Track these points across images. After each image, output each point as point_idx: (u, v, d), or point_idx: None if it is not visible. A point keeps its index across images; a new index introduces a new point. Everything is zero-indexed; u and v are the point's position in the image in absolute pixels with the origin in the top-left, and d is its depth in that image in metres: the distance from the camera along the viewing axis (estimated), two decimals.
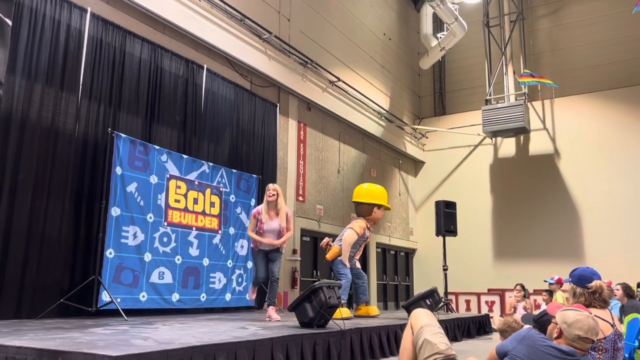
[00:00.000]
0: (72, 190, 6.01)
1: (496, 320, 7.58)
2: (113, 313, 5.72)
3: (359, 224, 6.91)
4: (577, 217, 13.45)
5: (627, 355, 4.85)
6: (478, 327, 8.44)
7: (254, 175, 8.33)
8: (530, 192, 14.06)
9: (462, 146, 15.30)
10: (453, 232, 10.39)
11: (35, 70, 5.77)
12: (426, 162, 15.95)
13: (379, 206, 7.05)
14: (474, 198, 14.55)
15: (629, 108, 13.33)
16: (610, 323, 2.99)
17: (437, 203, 10.58)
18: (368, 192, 7.17)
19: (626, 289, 6.77)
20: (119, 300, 5.71)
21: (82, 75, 6.24)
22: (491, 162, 14.94)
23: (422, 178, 15.96)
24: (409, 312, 5.87)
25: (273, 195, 5.84)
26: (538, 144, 14.32)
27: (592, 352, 2.93)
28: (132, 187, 6.25)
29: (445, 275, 10.20)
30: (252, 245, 6.04)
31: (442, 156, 15.63)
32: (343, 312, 6.46)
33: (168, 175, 6.76)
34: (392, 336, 5.42)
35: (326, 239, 6.99)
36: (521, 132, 13.93)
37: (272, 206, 5.86)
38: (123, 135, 6.27)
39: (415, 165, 16.00)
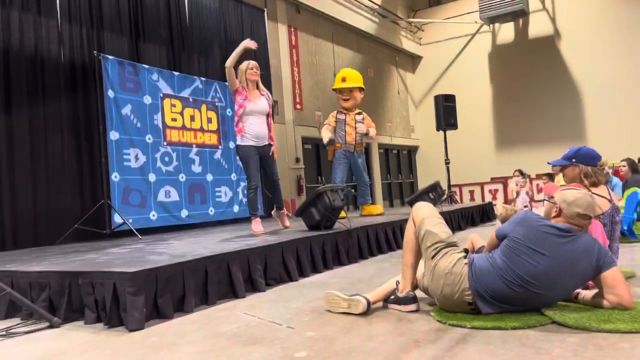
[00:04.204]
0: (68, 117, 5.98)
1: (499, 207, 7.77)
2: (127, 233, 5.90)
3: (330, 115, 6.98)
4: (578, 98, 13.32)
5: (625, 228, 5.03)
6: (481, 215, 8.70)
7: None
8: (531, 77, 13.83)
9: (459, 36, 14.86)
10: (453, 126, 10.38)
11: None
12: (424, 56, 15.58)
13: (336, 90, 7.04)
14: (474, 89, 14.37)
15: None
16: (607, 199, 3.06)
17: (436, 98, 10.49)
18: None
19: (632, 164, 6.86)
20: (130, 221, 5.86)
21: None
22: (490, 50, 14.57)
23: (420, 74, 15.66)
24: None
25: (257, 72, 5.05)
26: (538, 26, 13.85)
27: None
28: (127, 110, 6.19)
29: (448, 168, 10.33)
30: (239, 142, 4.97)
31: (440, 49, 15.22)
32: (371, 208, 6.93)
33: (161, 95, 6.67)
34: (397, 231, 5.60)
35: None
36: (520, 15, 13.43)
37: (254, 86, 5.06)
38: (110, 57, 6.10)
39: (412, 61, 15.65)
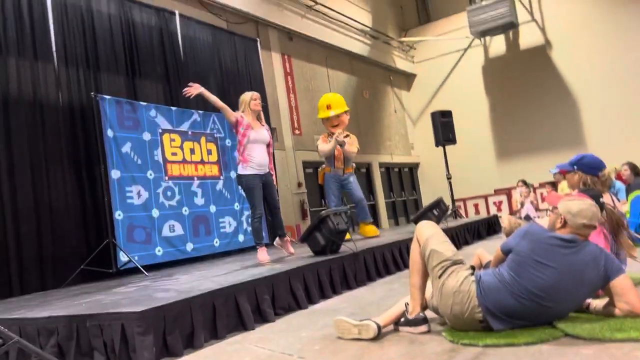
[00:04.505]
0: (69, 159, 6.02)
1: (504, 219, 7.74)
2: (133, 271, 5.88)
3: (319, 139, 6.97)
4: (575, 105, 13.37)
5: (633, 232, 4.99)
6: (488, 228, 8.66)
7: None
8: (526, 87, 13.90)
9: (451, 52, 14.99)
10: (452, 141, 10.41)
11: (5, 44, 5.61)
12: (418, 74, 15.70)
13: (323, 119, 7.03)
14: (470, 102, 14.44)
15: None
16: (611, 205, 3.05)
17: (433, 114, 10.54)
18: None
19: (634, 167, 6.88)
20: (136, 258, 5.85)
21: (53, 41, 6.07)
22: (483, 63, 14.68)
23: (415, 91, 15.77)
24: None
25: (260, 103, 5.18)
26: (528, 36, 13.99)
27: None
28: (126, 148, 6.23)
29: (450, 183, 10.32)
30: (242, 172, 4.99)
31: (433, 65, 15.35)
32: (368, 229, 6.77)
33: (160, 130, 6.72)
34: (404, 250, 5.57)
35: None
36: (510, 27, 13.57)
37: (255, 116, 5.15)
38: (108, 97, 6.17)
39: (407, 80, 15.77)
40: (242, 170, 5.01)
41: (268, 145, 5.19)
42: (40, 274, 5.53)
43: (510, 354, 2.11)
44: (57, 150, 5.92)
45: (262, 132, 5.11)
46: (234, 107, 5.20)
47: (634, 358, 1.87)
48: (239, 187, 5.39)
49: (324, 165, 6.91)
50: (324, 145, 6.75)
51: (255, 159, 5.00)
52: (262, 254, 5.00)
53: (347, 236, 5.28)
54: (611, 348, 2.00)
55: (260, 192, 5.03)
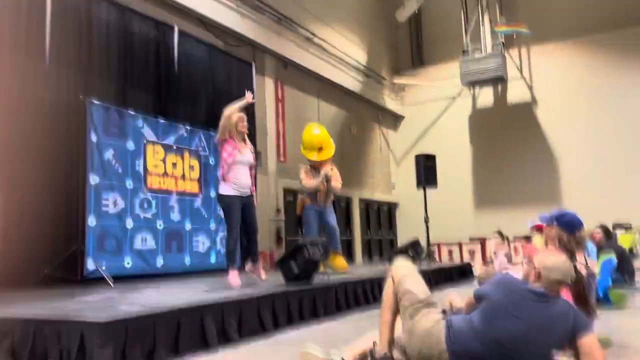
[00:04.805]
0: (48, 159, 5.89)
1: (478, 268, 7.78)
2: (100, 281, 5.73)
3: (304, 171, 6.90)
4: (555, 163, 13.68)
5: (600, 294, 5.05)
6: (460, 275, 8.69)
7: None
8: (509, 141, 14.19)
9: (441, 98, 15.28)
10: (433, 185, 10.51)
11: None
12: (406, 115, 15.94)
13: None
14: (454, 149, 14.64)
15: (606, 53, 13.38)
16: (583, 264, 3.09)
17: (417, 157, 10.67)
18: None
19: (606, 230, 7.01)
20: (104, 268, 5.71)
21: (47, 40, 6.03)
22: (470, 113, 14.99)
23: (402, 132, 15.98)
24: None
25: (246, 125, 5.15)
26: (515, 92, 14.37)
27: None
28: (109, 154, 6.17)
29: (427, 226, 10.37)
30: (223, 192, 4.94)
31: (422, 109, 15.61)
32: (338, 261, 6.62)
33: (145, 141, 6.67)
34: (376, 287, 5.54)
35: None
36: (499, 81, 13.95)
37: (241, 138, 5.11)
38: (97, 102, 6.13)
39: (395, 120, 15.99)
40: (223, 190, 4.95)
41: (251, 167, 5.17)
42: (1, 274, 5.34)
43: None
44: (36, 148, 5.79)
45: (246, 154, 5.10)
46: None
47: None
48: (218, 206, 5.34)
49: (302, 196, 6.88)
50: (310, 181, 6.72)
51: (237, 180, 4.95)
52: (233, 277, 4.91)
53: (321, 268, 5.24)
54: None
55: (239, 213, 4.96)
